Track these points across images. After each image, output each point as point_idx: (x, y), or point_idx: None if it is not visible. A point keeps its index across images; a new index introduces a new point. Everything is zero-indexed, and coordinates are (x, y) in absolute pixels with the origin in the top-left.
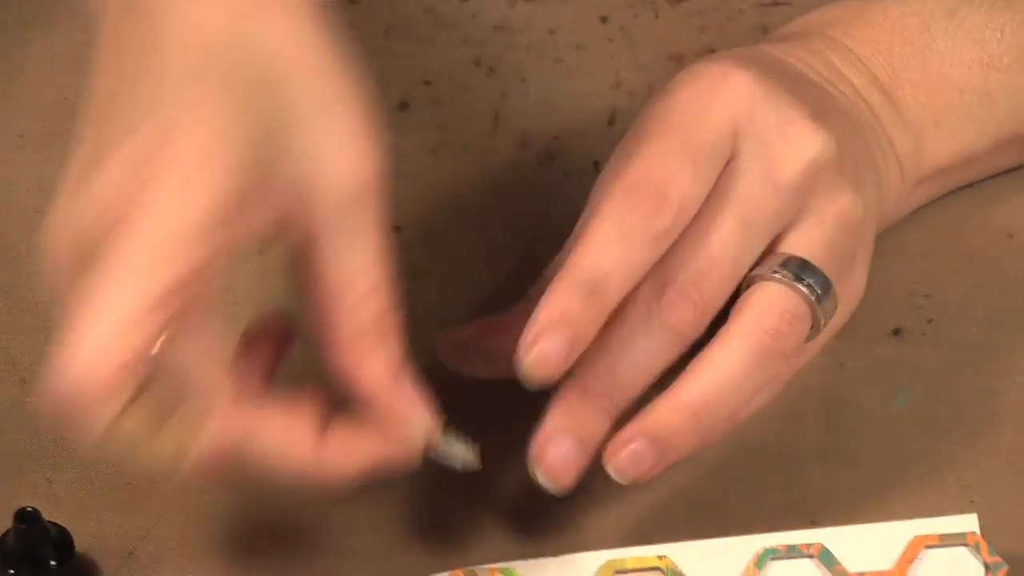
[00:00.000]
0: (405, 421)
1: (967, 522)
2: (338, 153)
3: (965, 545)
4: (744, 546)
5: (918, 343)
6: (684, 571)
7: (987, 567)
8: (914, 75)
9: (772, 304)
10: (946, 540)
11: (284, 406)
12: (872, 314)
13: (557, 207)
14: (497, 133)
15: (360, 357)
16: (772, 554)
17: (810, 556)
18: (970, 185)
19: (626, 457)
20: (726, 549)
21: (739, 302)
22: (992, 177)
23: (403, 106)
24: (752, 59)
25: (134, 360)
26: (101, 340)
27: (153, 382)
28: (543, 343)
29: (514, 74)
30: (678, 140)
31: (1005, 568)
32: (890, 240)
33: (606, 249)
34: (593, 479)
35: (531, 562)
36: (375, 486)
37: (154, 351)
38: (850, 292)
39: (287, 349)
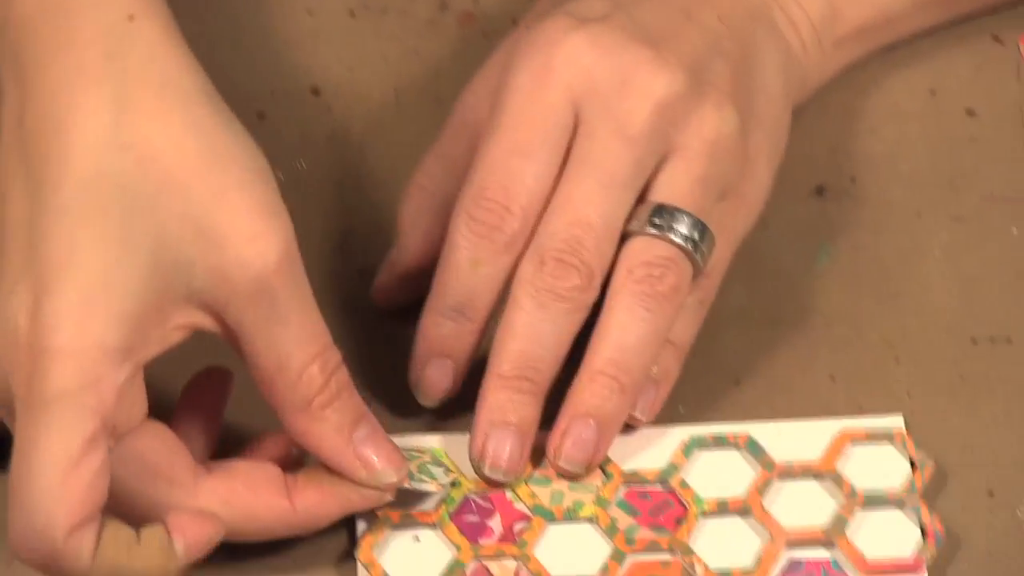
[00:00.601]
0: (365, 479)
1: (893, 421)
2: (237, 243)
3: (891, 442)
4: (672, 435)
5: (841, 201)
6: (613, 458)
7: (913, 463)
8: None
9: (639, 255)
10: (872, 437)
11: (249, 473)
12: (794, 173)
13: (476, 68)
14: None
15: (308, 425)
16: (699, 444)
17: (737, 447)
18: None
19: (569, 446)
20: (654, 438)
21: (617, 261)
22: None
23: None
24: None
25: (89, 491)
26: (55, 491)
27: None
28: (428, 370)
29: None
30: (513, 138)
31: (931, 465)
32: (812, 99)
33: (460, 275)
34: None
35: (453, 437)
36: None
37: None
38: (747, 199)
39: (227, 395)
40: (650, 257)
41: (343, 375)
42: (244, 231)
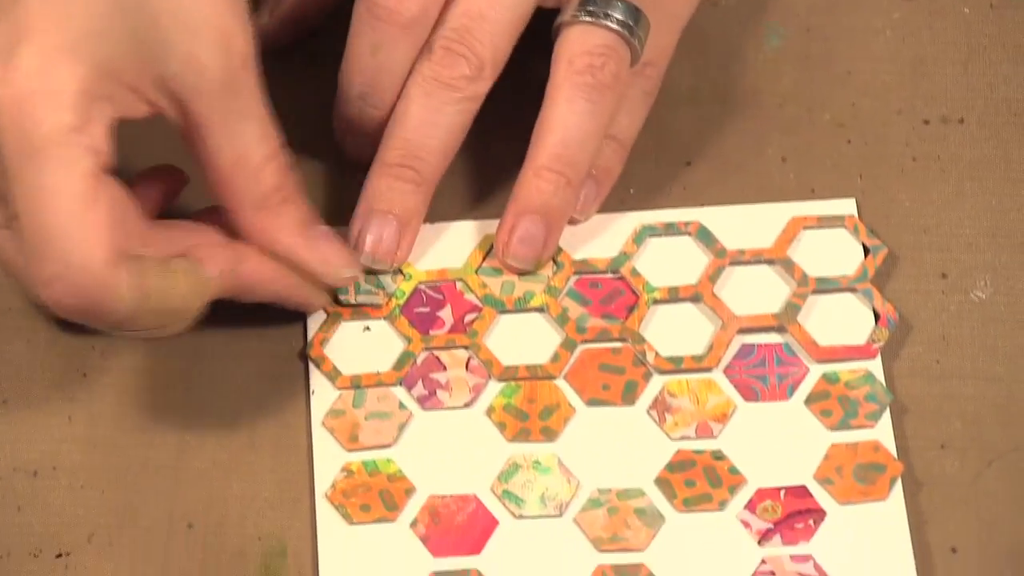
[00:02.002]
0: (323, 272)
1: (845, 205)
2: (213, 35)
3: (843, 227)
4: (622, 223)
5: None
6: (564, 247)
7: (865, 248)
8: None
9: (577, 45)
10: (824, 222)
11: (198, 231)
12: None
13: None
14: None
15: (267, 221)
16: (650, 231)
17: (688, 234)
18: None
19: (517, 243)
20: (605, 226)
21: (554, 51)
22: None
23: None
24: None
25: (112, 224)
26: (82, 226)
27: None
28: (345, 147)
29: None
30: None
31: (884, 251)
32: None
33: (362, 62)
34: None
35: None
36: None
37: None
38: None
39: (174, 195)
40: (588, 47)
41: (296, 178)
42: (220, 26)
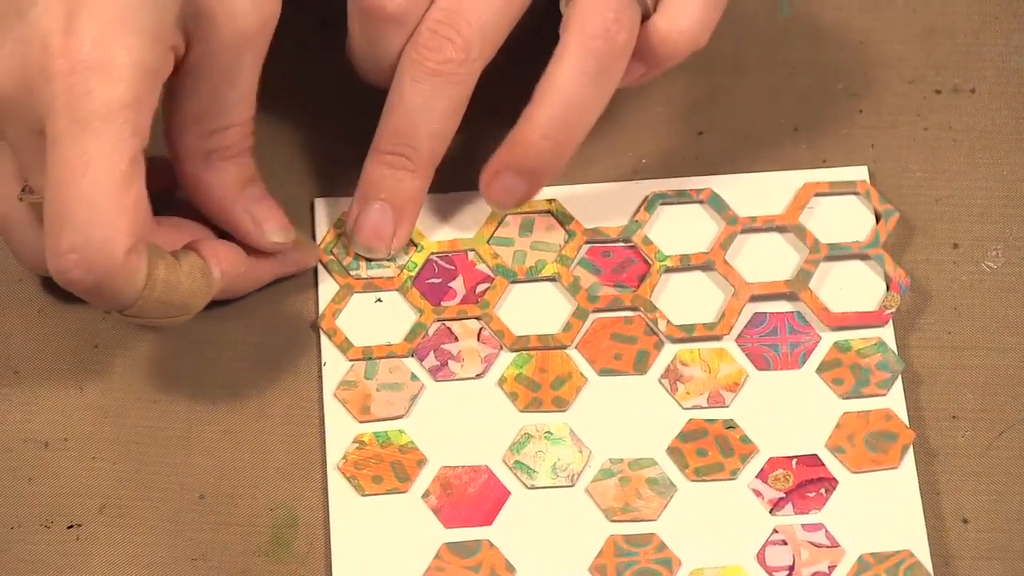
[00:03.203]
0: (254, 233)
1: (857, 172)
2: None
3: (855, 193)
4: (634, 191)
5: None
6: (573, 213)
7: (877, 214)
8: None
9: (593, 7)
10: (836, 188)
11: (194, 229)
12: None
13: None
14: None
15: (204, 174)
16: (662, 199)
17: (700, 201)
18: None
19: (499, 190)
20: (616, 194)
21: (564, 17)
22: None
23: None
24: None
25: (139, 211)
26: (112, 208)
27: None
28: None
29: None
30: None
31: (896, 215)
32: None
33: (361, 51)
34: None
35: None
36: None
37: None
38: None
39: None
40: (603, 10)
41: (251, 140)
42: None
